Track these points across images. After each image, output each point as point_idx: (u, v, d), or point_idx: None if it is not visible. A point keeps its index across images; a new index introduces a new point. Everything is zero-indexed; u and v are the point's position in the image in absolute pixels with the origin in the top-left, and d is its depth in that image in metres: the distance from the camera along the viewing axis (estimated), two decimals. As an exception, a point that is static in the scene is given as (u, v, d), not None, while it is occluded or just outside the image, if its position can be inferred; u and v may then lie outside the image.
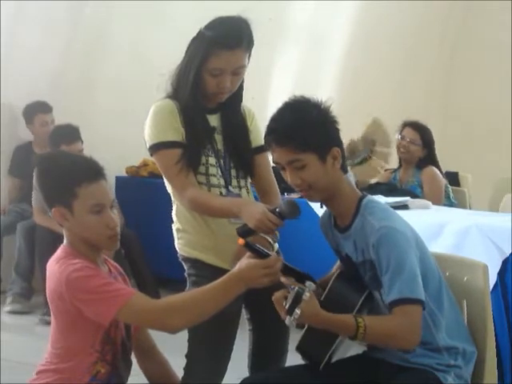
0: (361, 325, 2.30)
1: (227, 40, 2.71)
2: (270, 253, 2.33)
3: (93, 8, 6.18)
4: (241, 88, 2.86)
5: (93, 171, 2.38)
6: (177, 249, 2.90)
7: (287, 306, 2.19)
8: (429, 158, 5.32)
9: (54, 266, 2.35)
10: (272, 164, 2.73)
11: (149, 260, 5.75)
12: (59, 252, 2.40)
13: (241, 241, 2.33)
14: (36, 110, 5.99)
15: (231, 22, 2.76)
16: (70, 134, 5.52)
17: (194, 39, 2.78)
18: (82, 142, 5.55)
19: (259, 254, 2.31)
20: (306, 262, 2.56)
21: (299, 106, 2.49)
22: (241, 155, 2.87)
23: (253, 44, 2.78)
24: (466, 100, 8.35)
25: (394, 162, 5.67)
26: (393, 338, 2.38)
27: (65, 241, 2.43)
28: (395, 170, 5.52)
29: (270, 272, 2.30)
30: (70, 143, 5.39)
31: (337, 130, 2.51)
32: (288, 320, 2.20)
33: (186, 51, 2.80)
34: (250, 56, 2.79)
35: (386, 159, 6.16)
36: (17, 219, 5.87)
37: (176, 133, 2.77)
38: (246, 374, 2.90)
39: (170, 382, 2.65)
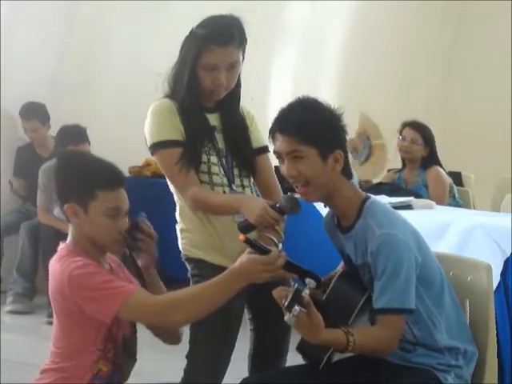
0: (351, 344, 2.31)
1: (219, 36, 2.72)
2: (271, 249, 2.32)
3: (90, 8, 6.18)
4: (238, 87, 2.87)
5: (116, 179, 2.40)
6: (180, 249, 2.90)
7: (286, 303, 2.18)
8: (432, 156, 5.29)
9: (56, 265, 2.36)
10: (274, 165, 2.73)
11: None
12: (61, 251, 2.41)
13: (242, 237, 2.32)
14: (20, 115, 6.00)
15: (223, 19, 2.78)
16: (78, 134, 5.52)
17: (187, 38, 2.80)
18: (90, 143, 5.56)
19: (260, 251, 2.30)
20: (309, 261, 2.55)
21: (311, 104, 2.49)
22: (242, 154, 2.87)
23: (246, 41, 2.79)
24: (466, 100, 8.34)
25: (396, 163, 5.64)
26: (374, 350, 2.43)
27: (68, 238, 2.43)
28: (399, 171, 5.49)
29: (271, 268, 2.29)
30: (77, 144, 5.38)
31: (344, 137, 2.51)
32: (287, 317, 2.19)
33: (180, 50, 2.82)
34: (244, 53, 2.80)
35: (384, 148, 6.11)
36: (19, 219, 5.88)
37: (176, 131, 2.77)
38: (245, 373, 2.90)
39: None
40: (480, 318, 2.55)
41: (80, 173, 2.40)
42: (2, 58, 5.77)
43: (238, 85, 2.86)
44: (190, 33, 2.79)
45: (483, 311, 2.55)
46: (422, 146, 5.26)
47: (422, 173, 5.29)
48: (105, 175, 2.39)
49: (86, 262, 2.32)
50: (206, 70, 2.75)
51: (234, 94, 2.86)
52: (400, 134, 5.32)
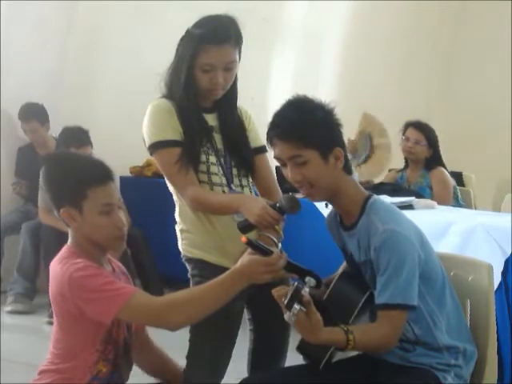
0: (351, 343, 2.31)
1: (215, 36, 2.73)
2: (272, 250, 2.32)
3: (90, 8, 6.18)
4: (235, 86, 2.87)
5: (103, 174, 2.39)
6: (180, 249, 2.90)
7: (286, 302, 2.18)
8: (435, 157, 5.26)
9: (57, 266, 2.35)
10: (274, 165, 2.72)
11: (154, 260, 5.74)
12: (62, 252, 2.40)
13: (244, 239, 2.32)
14: (19, 116, 6.00)
15: (218, 19, 2.78)
16: (81, 137, 5.51)
17: (183, 38, 2.81)
18: (92, 145, 5.55)
19: (262, 252, 2.30)
20: (309, 261, 2.54)
21: (303, 104, 2.49)
22: (241, 154, 2.87)
23: (242, 40, 2.79)
24: (466, 100, 8.33)
25: (397, 162, 5.63)
26: (374, 347, 2.42)
27: (69, 241, 2.43)
28: (401, 170, 5.47)
29: (272, 269, 2.29)
30: (80, 146, 5.38)
31: (340, 132, 2.51)
32: (287, 316, 2.19)
33: (176, 50, 2.82)
34: (240, 52, 2.80)
35: (388, 149, 5.97)
36: (20, 219, 5.88)
37: (174, 131, 2.77)
38: (245, 374, 2.90)
39: (171, 371, 2.67)
40: (481, 317, 2.55)
41: (66, 174, 2.38)
42: (2, 58, 5.76)
43: (235, 84, 2.86)
44: (186, 33, 2.80)
45: (484, 311, 2.55)
46: (425, 147, 5.23)
47: (425, 174, 5.27)
48: (89, 172, 2.37)
49: (86, 263, 2.32)
50: (202, 69, 2.74)
51: (231, 93, 2.86)
52: (403, 134, 5.29)
